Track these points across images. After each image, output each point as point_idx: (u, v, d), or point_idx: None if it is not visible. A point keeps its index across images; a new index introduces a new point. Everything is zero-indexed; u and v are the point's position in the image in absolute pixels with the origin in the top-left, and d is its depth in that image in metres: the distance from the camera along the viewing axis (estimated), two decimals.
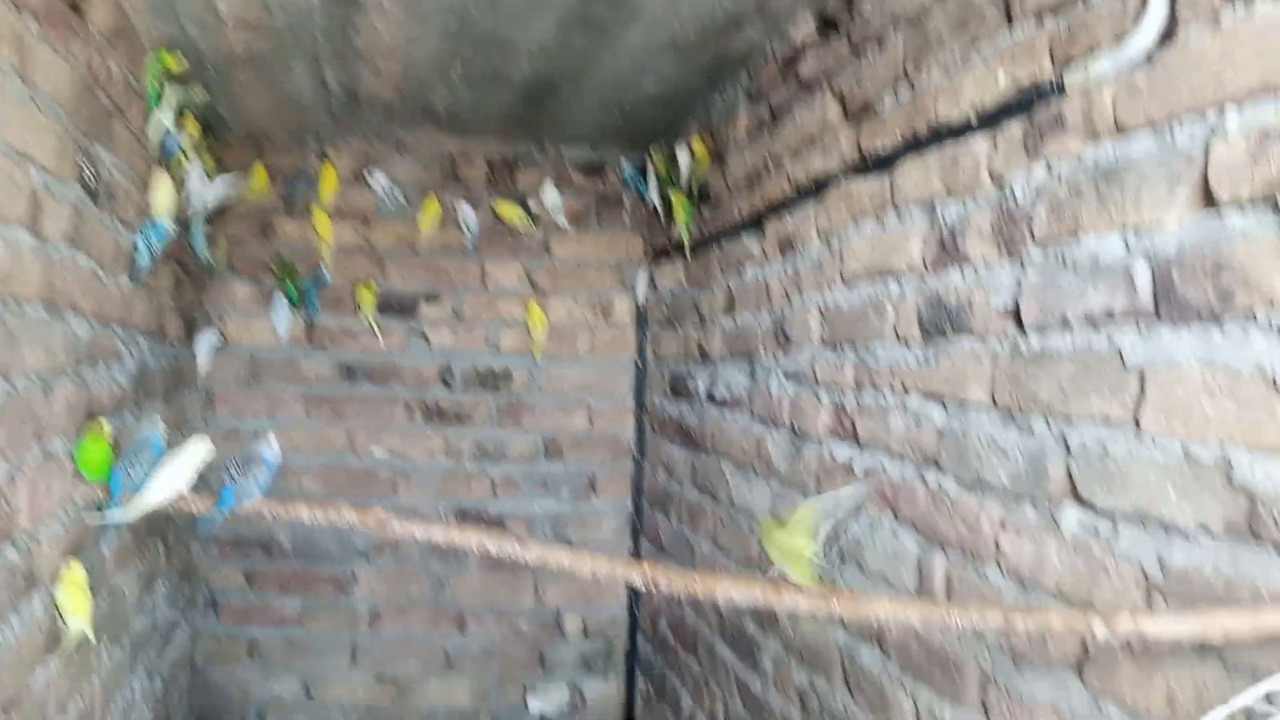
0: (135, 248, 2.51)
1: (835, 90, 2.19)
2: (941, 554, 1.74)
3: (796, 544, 1.93)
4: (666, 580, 1.39)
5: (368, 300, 3.63)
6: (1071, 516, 1.42)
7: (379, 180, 3.68)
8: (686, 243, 3.08)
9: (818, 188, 2.24)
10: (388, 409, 3.78)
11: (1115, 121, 1.34)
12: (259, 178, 3.52)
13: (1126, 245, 1.33)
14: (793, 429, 2.37)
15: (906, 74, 1.89)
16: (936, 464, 1.76)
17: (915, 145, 1.84)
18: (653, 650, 3.59)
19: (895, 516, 1.90)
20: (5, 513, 1.73)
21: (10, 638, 1.75)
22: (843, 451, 2.11)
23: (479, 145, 3.73)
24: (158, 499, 2.05)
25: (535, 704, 3.86)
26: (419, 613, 3.81)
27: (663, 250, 3.59)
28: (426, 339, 3.80)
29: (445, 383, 3.80)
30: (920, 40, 1.84)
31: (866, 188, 2.03)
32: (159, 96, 2.54)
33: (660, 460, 3.56)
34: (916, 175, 1.84)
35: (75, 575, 1.99)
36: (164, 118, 2.59)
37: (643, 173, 3.58)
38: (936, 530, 1.75)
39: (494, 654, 3.83)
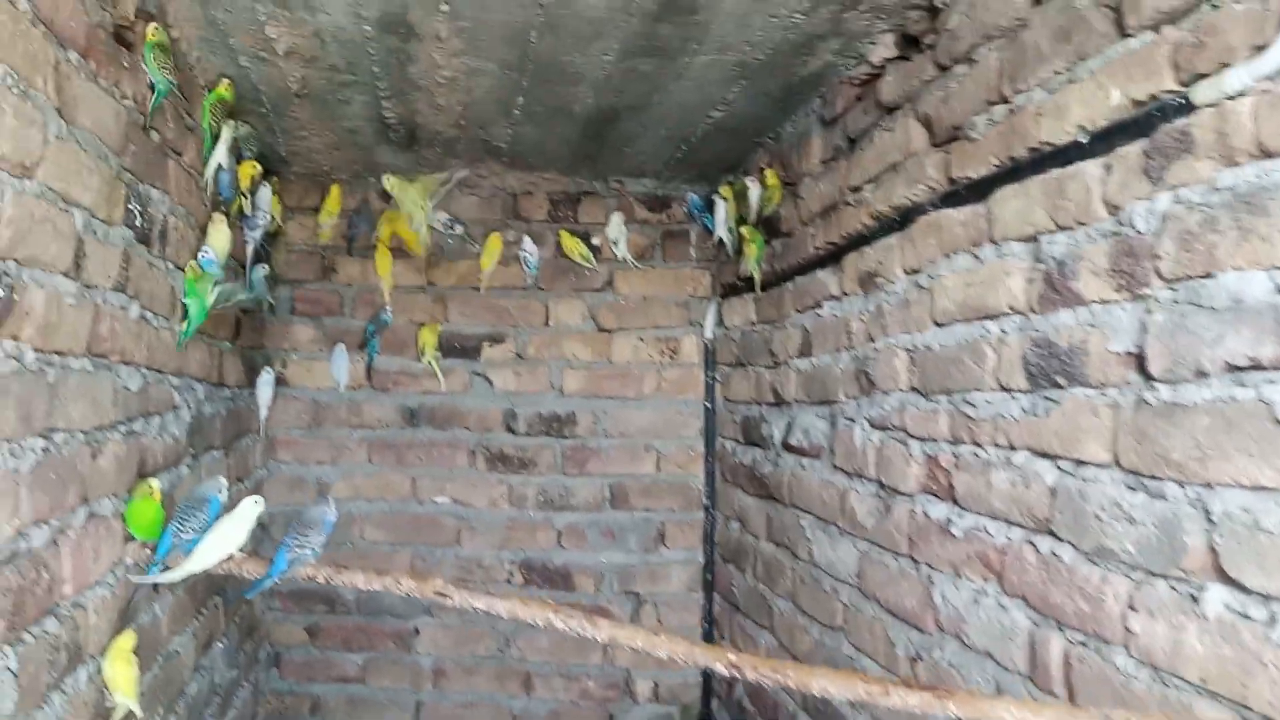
0: (185, 311, 2.41)
1: (920, 113, 2.02)
2: (1058, 632, 1.54)
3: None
4: (753, 669, 1.23)
5: (430, 343, 3.54)
6: (1216, 596, 1.22)
7: (439, 218, 3.60)
8: (758, 279, 2.92)
9: (902, 219, 2.07)
10: (450, 454, 3.68)
11: (1258, 141, 1.16)
12: (333, 201, 3.47)
13: (1275, 283, 1.14)
14: (880, 483, 2.18)
15: (1001, 93, 1.71)
16: (1049, 529, 1.56)
17: (1014, 172, 1.67)
18: (729, 718, 3.39)
19: (1001, 586, 1.70)
20: (46, 583, 1.63)
21: (53, 715, 1.64)
22: (938, 510, 1.92)
23: (541, 181, 3.63)
24: (207, 562, 1.95)
25: None
26: (484, 672, 3.67)
27: (731, 287, 3.43)
28: (489, 381, 3.69)
29: (509, 427, 3.69)
30: (1017, 55, 1.67)
31: (958, 218, 1.85)
32: (214, 134, 2.48)
33: (733, 510, 3.38)
34: (1016, 205, 1.66)
35: (123, 646, 1.89)
36: (220, 156, 2.53)
37: (709, 206, 3.44)
38: (1050, 604, 1.55)
39: (562, 717, 3.67)
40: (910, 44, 2.07)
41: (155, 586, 2.12)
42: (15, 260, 1.48)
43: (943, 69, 1.93)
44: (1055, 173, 1.55)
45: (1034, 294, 1.61)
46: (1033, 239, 1.62)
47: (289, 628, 3.64)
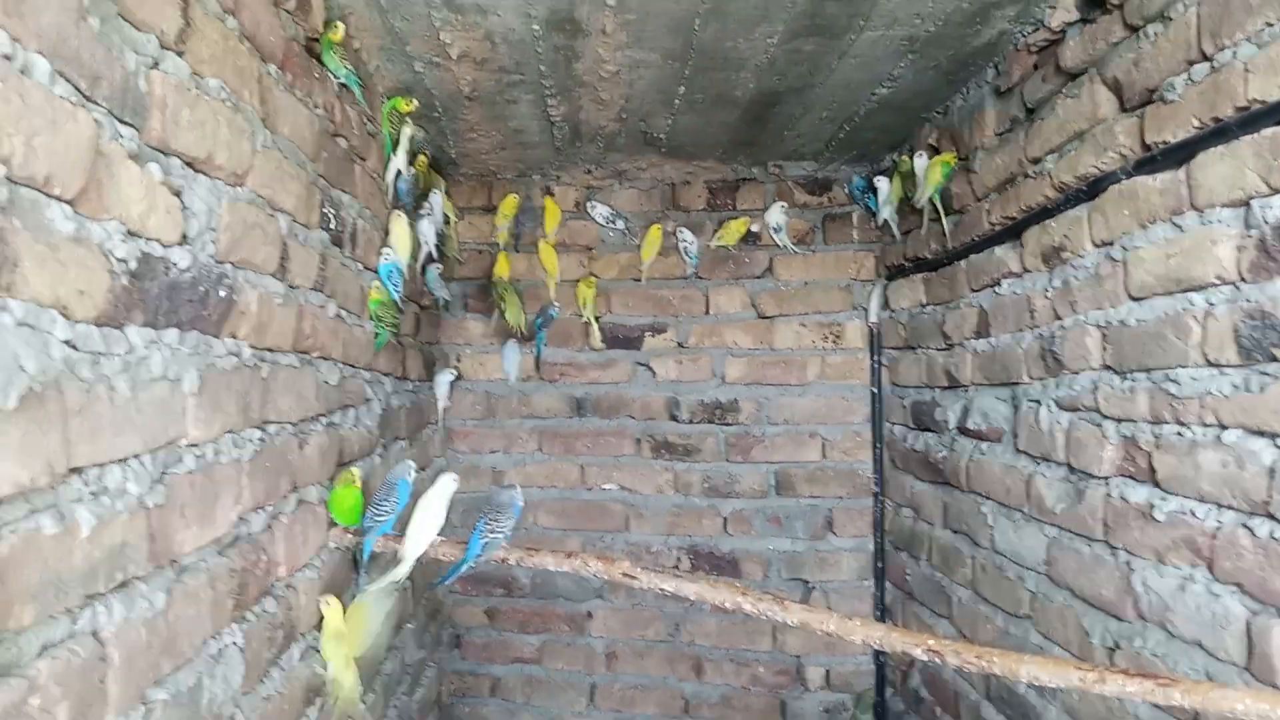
0: (376, 333, 2.56)
1: (1107, 78, 1.91)
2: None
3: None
4: (955, 654, 1.20)
5: (588, 297, 3.61)
6: None
7: (600, 211, 3.66)
8: (940, 209, 2.76)
9: (1090, 190, 1.97)
10: (617, 442, 3.74)
11: None
12: (508, 205, 3.59)
13: None
14: (1070, 466, 2.09)
15: (1202, 50, 1.61)
16: (1268, 511, 1.46)
17: (1219, 133, 1.56)
18: (904, 706, 3.32)
19: (1211, 572, 1.60)
20: (265, 565, 1.76)
21: (272, 690, 1.77)
22: (1138, 493, 1.83)
23: (699, 170, 3.64)
24: (421, 547, 2.05)
25: None
26: (655, 655, 3.73)
27: (897, 268, 3.35)
28: (652, 371, 3.73)
29: (673, 416, 3.72)
30: (1219, 9, 1.56)
31: (1155, 186, 1.75)
32: (394, 141, 2.60)
33: (904, 497, 3.30)
34: (1223, 168, 1.56)
35: (333, 614, 2.02)
36: (399, 162, 2.64)
37: (871, 187, 3.37)
38: (1270, 591, 1.46)
39: (733, 702, 3.68)
40: (1094, 5, 1.97)
41: (359, 573, 2.25)
42: (232, 263, 1.60)
43: (1132, 29, 1.82)
44: (1268, 132, 1.45)
45: (1245, 262, 1.51)
46: (1243, 204, 1.52)
47: (469, 610, 3.79)
